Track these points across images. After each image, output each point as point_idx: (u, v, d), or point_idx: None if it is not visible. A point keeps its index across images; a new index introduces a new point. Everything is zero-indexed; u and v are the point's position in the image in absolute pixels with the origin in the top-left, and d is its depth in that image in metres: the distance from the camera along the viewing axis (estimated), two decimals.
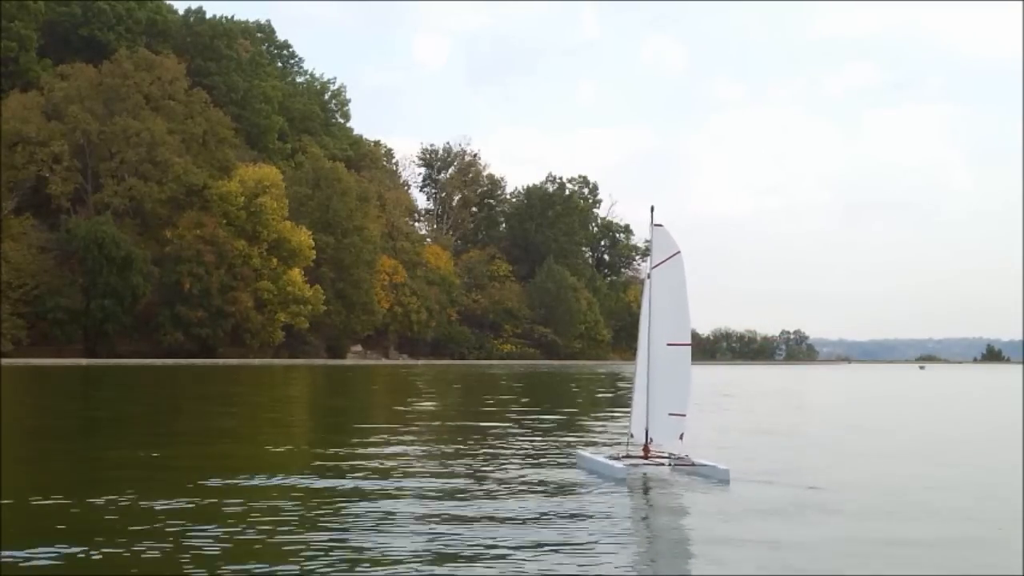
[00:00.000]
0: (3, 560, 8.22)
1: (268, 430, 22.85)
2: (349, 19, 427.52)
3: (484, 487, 12.39)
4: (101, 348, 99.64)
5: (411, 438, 19.44)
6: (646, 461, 13.80)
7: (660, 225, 13.76)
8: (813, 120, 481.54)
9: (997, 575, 8.60)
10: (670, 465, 13.74)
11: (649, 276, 13.75)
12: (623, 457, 13.95)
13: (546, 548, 8.86)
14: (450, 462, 15.06)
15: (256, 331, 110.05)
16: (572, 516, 10.45)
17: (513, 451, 16.79)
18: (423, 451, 16.97)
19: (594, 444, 17.39)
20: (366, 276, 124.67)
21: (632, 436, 14.15)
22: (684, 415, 13.53)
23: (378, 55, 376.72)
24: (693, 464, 13.61)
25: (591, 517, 10.43)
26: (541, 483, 12.86)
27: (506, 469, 14.21)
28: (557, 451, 16.69)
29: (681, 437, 13.51)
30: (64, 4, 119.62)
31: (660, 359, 13.53)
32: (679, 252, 13.67)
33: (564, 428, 22.43)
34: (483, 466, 14.51)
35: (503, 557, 8.55)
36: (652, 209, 13.88)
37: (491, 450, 16.94)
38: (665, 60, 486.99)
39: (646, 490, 12.60)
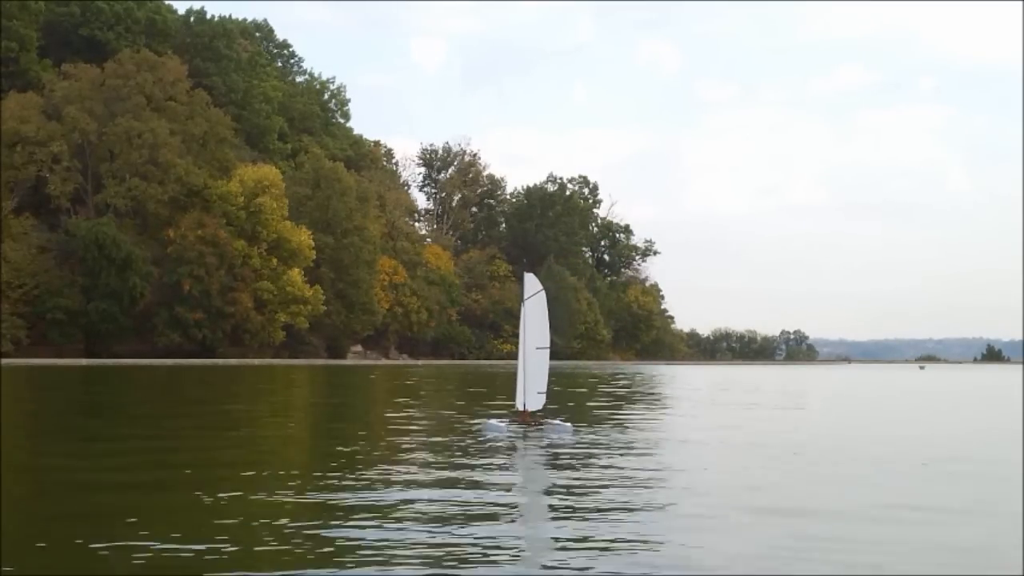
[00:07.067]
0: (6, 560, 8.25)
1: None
2: (345, 21, 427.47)
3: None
4: (101, 349, 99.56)
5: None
6: (524, 423, 20.45)
7: (530, 272, 21.60)
8: (807, 121, 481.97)
9: (997, 575, 8.61)
10: (538, 425, 20.33)
11: (523, 304, 20.70)
12: (510, 421, 20.70)
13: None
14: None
15: (256, 331, 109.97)
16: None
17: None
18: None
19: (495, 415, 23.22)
20: (366, 276, 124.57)
21: (516, 408, 20.98)
22: (544, 392, 20.49)
23: (375, 57, 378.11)
24: (552, 424, 20.46)
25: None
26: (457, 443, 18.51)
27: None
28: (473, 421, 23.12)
29: (543, 405, 20.71)
30: (64, 4, 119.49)
31: (531, 357, 20.44)
32: (542, 290, 20.95)
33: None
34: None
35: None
36: (524, 263, 23.25)
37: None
38: (659, 62, 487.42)
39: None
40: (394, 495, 11.84)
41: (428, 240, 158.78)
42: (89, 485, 12.71)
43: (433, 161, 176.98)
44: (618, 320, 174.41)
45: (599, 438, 19.36)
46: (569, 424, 20.64)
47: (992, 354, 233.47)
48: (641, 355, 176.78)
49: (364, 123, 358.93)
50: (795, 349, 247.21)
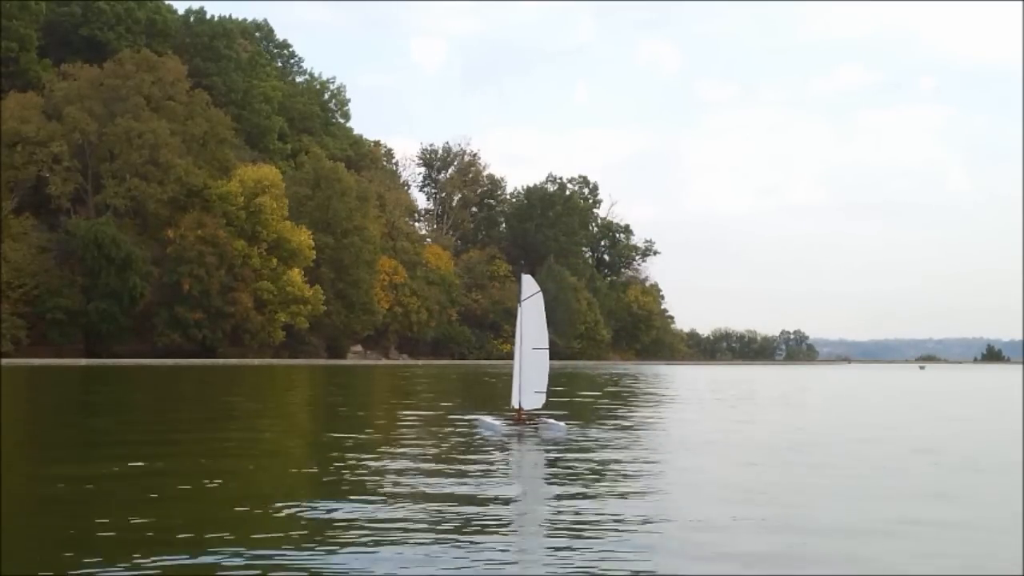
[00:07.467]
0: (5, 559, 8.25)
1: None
2: (345, 21, 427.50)
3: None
4: (100, 349, 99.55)
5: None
6: (518, 422, 20.74)
7: (527, 274, 21.87)
8: (807, 121, 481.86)
9: (997, 575, 8.61)
10: (532, 423, 20.71)
11: (520, 305, 20.97)
12: (505, 420, 20.92)
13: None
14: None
15: (256, 331, 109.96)
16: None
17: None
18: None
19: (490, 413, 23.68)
20: (366, 276, 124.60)
21: (511, 406, 21.30)
22: (543, 391, 20.81)
23: (375, 57, 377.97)
24: (546, 423, 20.81)
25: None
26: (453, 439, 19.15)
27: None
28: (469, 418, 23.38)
29: (542, 405, 21.10)
30: (64, 4, 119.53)
31: (528, 357, 20.77)
32: (540, 291, 21.19)
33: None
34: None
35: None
36: (522, 264, 24.71)
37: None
38: (659, 62, 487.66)
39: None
40: (385, 494, 11.88)
41: (428, 240, 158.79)
42: (89, 485, 12.71)
43: (433, 161, 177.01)
44: (618, 320, 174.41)
45: (593, 437, 19.47)
46: (563, 423, 20.92)
47: (992, 354, 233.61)
48: (641, 355, 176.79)
49: (364, 123, 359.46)
50: (795, 349, 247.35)
